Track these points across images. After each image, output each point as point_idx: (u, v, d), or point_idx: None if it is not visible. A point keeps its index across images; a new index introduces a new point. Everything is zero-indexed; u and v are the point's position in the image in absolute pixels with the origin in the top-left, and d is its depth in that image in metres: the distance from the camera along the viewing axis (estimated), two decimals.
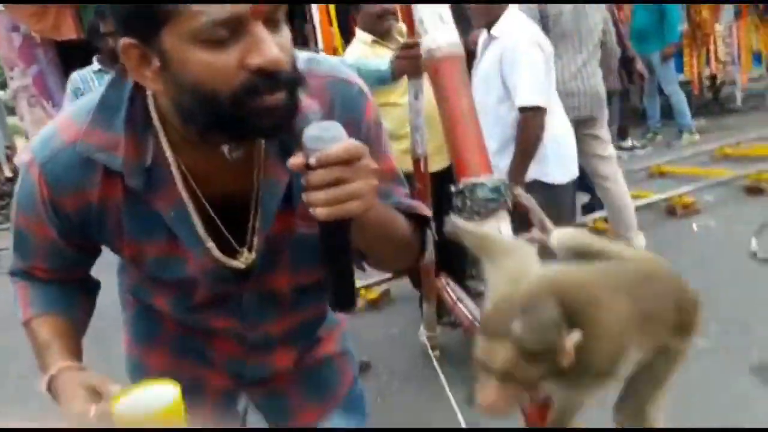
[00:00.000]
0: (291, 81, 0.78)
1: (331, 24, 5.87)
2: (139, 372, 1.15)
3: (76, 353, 0.97)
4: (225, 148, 0.85)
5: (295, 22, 6.27)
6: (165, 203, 0.89)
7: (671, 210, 4.09)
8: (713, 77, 7.39)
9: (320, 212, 0.75)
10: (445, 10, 1.09)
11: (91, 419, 0.81)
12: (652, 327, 0.82)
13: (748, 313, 2.69)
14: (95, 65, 3.12)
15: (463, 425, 2.05)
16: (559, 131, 2.50)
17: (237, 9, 0.72)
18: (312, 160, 0.73)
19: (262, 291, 1.01)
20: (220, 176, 0.89)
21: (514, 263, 0.86)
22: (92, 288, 1.10)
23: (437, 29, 1.08)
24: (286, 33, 0.78)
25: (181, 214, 0.90)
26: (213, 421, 1.12)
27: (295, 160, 0.75)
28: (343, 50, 4.87)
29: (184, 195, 0.89)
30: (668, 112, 6.40)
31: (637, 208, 3.81)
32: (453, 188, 1.01)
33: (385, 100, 2.48)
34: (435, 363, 2.46)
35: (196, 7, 0.71)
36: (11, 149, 8.93)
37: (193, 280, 0.97)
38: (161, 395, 0.77)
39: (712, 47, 7.12)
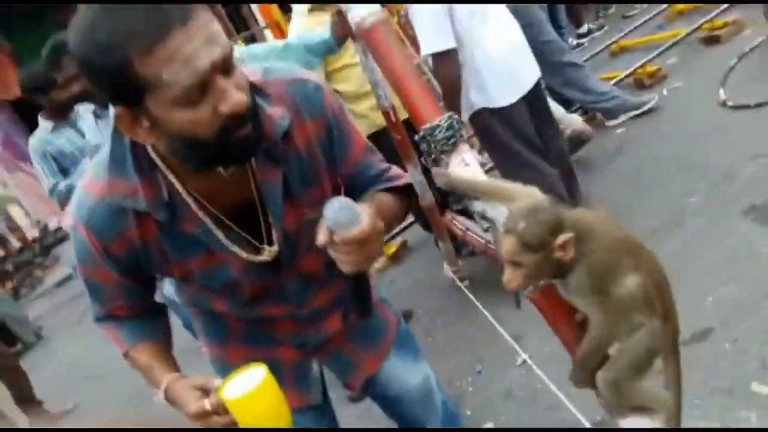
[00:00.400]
0: (253, 112, 0.96)
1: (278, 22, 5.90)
2: (223, 367, 1.35)
3: (173, 365, 1.21)
4: (220, 170, 1.03)
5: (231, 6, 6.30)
6: (190, 225, 1.07)
7: (639, 82, 4.23)
8: None
9: (345, 269, 1.00)
10: None
11: (212, 407, 1.03)
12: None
13: (730, 161, 2.88)
14: (46, 124, 3.03)
15: (506, 336, 2.28)
16: (493, 53, 2.50)
17: (200, 72, 0.87)
18: (337, 239, 0.96)
19: (299, 275, 1.21)
20: (225, 191, 1.07)
21: (525, 193, 1.03)
22: (162, 310, 1.31)
23: (355, 6, 1.22)
24: (238, 71, 0.94)
25: (205, 230, 1.08)
26: (297, 390, 1.34)
27: (323, 238, 0.97)
28: (285, 24, 4.96)
29: (200, 214, 1.06)
30: None
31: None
32: (416, 137, 1.16)
33: (340, 64, 2.61)
34: (466, 292, 2.67)
35: (167, 78, 0.86)
36: (10, 220, 9.02)
37: (237, 281, 1.16)
38: (254, 375, 1.01)
39: None
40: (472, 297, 2.61)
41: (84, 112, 3.02)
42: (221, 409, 1.01)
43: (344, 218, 0.95)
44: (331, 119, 1.13)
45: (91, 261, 1.11)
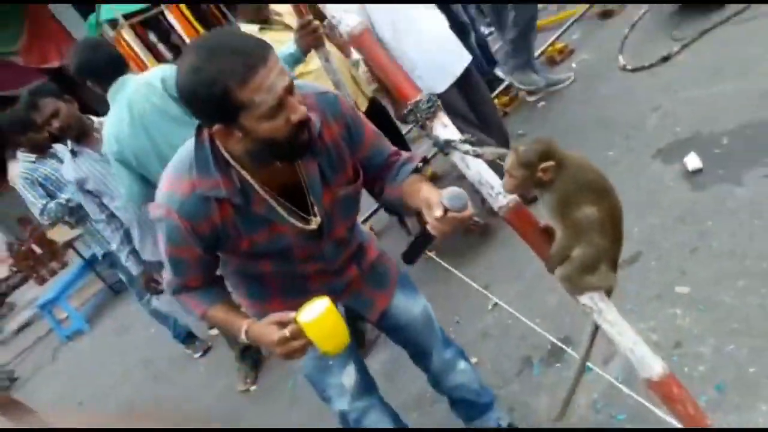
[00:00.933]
0: (309, 120, 1.34)
1: (191, 23, 6.20)
2: (259, 314, 1.66)
3: (246, 315, 1.56)
4: (278, 163, 1.39)
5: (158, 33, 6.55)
6: (259, 206, 1.43)
7: (551, 59, 4.76)
8: None
9: (436, 232, 1.36)
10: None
11: (290, 336, 1.36)
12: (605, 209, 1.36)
13: (636, 116, 3.41)
14: (28, 157, 3.25)
15: (477, 287, 2.70)
16: (421, 53, 2.90)
17: (279, 95, 1.24)
18: (449, 215, 1.33)
19: (334, 240, 1.59)
20: (280, 179, 1.44)
21: None
22: (222, 281, 1.65)
23: (344, 17, 1.56)
24: (296, 90, 1.31)
25: (270, 209, 1.44)
26: None
27: (439, 213, 1.32)
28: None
29: (266, 197, 1.42)
30: None
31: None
32: (405, 110, 1.50)
33: (303, 70, 2.96)
34: (436, 258, 3.03)
35: (257, 100, 1.23)
36: None
37: (292, 246, 1.52)
38: (319, 304, 1.37)
39: None
40: (442, 262, 2.99)
41: (62, 152, 3.24)
42: (298, 334, 1.35)
43: (459, 204, 1.34)
44: (348, 118, 1.53)
45: (180, 241, 1.43)
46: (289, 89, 1.27)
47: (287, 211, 1.47)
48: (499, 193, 1.56)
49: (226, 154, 1.38)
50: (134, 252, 3.24)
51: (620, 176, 3.04)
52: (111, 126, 2.66)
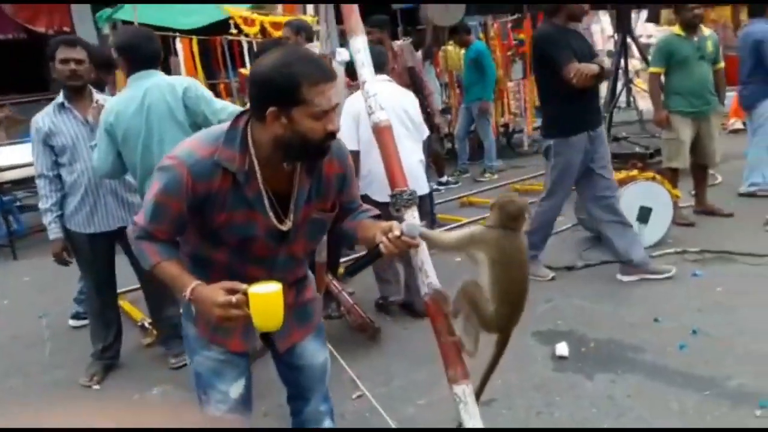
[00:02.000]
0: (336, 132, 1.65)
1: (193, 57, 6.57)
2: (191, 311, 1.81)
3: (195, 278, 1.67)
4: (284, 164, 1.67)
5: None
6: (251, 191, 1.66)
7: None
8: (506, 126, 9.10)
9: (386, 250, 1.70)
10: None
11: (234, 303, 1.54)
12: (494, 270, 1.76)
13: (531, 299, 3.90)
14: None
15: (353, 375, 2.94)
16: (374, 167, 3.21)
17: (330, 106, 1.58)
18: (406, 239, 1.71)
19: (289, 252, 1.79)
20: (278, 180, 1.69)
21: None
22: (178, 246, 1.79)
23: (378, 112, 1.96)
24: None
25: (258, 197, 1.67)
26: (243, 338, 1.85)
27: (398, 232, 1.69)
28: (204, 83, 5.62)
29: (261, 187, 1.66)
30: (472, 154, 7.94)
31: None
32: (390, 192, 1.90)
33: None
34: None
35: (316, 101, 1.54)
36: None
37: (256, 238, 1.70)
38: (273, 285, 1.59)
39: (505, 101, 8.82)
40: (327, 344, 3.22)
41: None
42: (242, 304, 1.55)
43: (414, 233, 1.72)
44: (347, 169, 1.86)
45: (175, 191, 1.61)
46: (334, 108, 1.61)
47: (270, 206, 1.71)
48: (430, 282, 1.93)
49: (250, 141, 1.65)
50: (61, 218, 3.33)
51: None
52: (118, 102, 2.93)
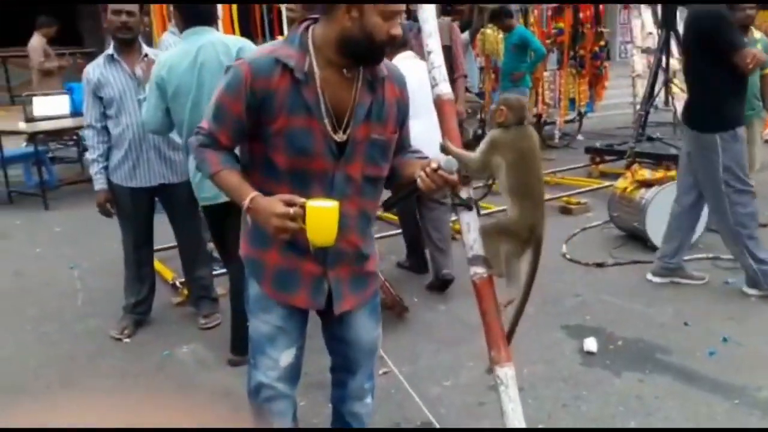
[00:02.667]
0: (398, 38, 1.68)
1: (232, 23, 6.56)
2: (258, 268, 1.86)
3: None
4: (344, 70, 1.69)
5: None
6: (309, 94, 1.68)
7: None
8: (539, 116, 9.01)
9: (423, 185, 1.71)
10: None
11: (291, 214, 1.58)
12: (511, 174, 1.76)
13: (558, 294, 3.91)
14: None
15: (392, 367, 2.96)
16: (418, 136, 3.39)
17: (399, 11, 1.65)
18: (443, 173, 1.69)
19: (346, 173, 1.75)
20: (337, 87, 1.71)
21: None
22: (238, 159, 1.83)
23: (442, 83, 1.92)
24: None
25: (316, 102, 1.68)
26: (310, 295, 1.84)
27: (435, 165, 1.69)
28: None
29: (319, 91, 1.69)
30: None
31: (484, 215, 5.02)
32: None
33: None
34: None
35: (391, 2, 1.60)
36: None
37: (313, 151, 1.69)
38: (330, 201, 1.63)
39: (540, 90, 8.73)
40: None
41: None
42: (298, 217, 1.58)
43: (451, 167, 1.70)
44: (406, 98, 1.88)
45: (235, 89, 1.66)
46: (400, 14, 1.68)
47: (326, 114, 1.70)
48: (476, 256, 1.92)
49: (310, 43, 1.69)
50: (106, 169, 3.36)
51: (528, 331, 3.45)
52: (172, 56, 2.92)
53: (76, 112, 8.14)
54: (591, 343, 3.25)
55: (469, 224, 1.88)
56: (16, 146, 7.06)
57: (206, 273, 3.70)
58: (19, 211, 6.28)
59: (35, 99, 6.85)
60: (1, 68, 10.75)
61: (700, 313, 3.60)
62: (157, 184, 3.39)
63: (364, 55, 1.68)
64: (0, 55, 10.83)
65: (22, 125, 6.53)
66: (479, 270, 1.89)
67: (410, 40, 4.03)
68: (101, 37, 10.69)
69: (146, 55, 3.34)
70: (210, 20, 3.01)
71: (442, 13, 8.82)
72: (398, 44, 3.78)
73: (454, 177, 1.70)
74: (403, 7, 1.65)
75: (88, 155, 3.42)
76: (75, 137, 7.36)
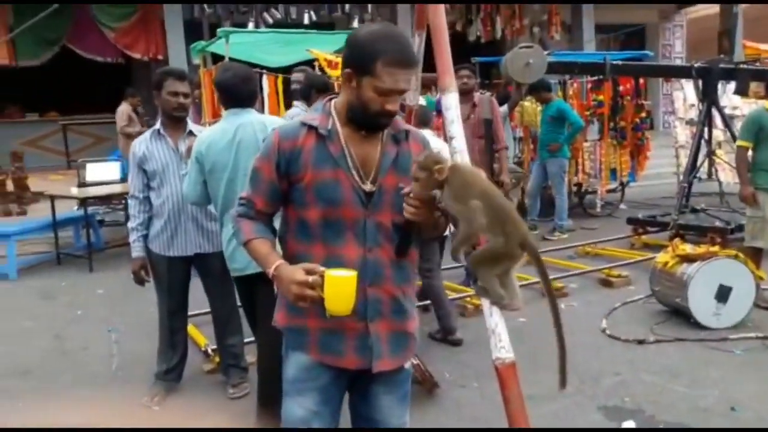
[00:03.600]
0: (394, 115, 1.80)
1: (277, 93, 6.84)
2: (300, 335, 1.86)
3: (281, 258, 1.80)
4: (362, 131, 1.82)
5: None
6: (334, 148, 1.80)
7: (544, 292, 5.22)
8: (579, 185, 8.95)
9: (409, 215, 1.75)
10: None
11: (311, 282, 1.65)
12: (486, 212, 1.76)
13: (596, 371, 3.77)
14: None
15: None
16: None
17: (395, 90, 1.72)
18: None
19: (376, 220, 1.81)
20: (361, 142, 1.82)
21: None
22: (274, 229, 1.92)
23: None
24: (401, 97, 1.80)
25: (342, 155, 1.80)
26: (356, 354, 1.82)
27: (405, 193, 1.77)
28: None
29: (343, 144, 1.80)
30: (543, 210, 7.83)
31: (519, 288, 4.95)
32: None
33: None
34: None
35: (383, 78, 1.69)
36: None
37: (342, 201, 1.78)
38: (348, 271, 1.68)
39: (580, 160, 8.71)
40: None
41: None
42: (317, 285, 1.65)
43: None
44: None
45: (267, 155, 1.82)
46: (401, 93, 1.76)
47: (353, 166, 1.80)
48: (503, 347, 1.90)
49: (332, 108, 1.84)
50: (145, 238, 3.48)
51: (564, 412, 3.33)
52: (212, 133, 3.08)
53: (125, 178, 8.56)
54: (630, 427, 3.10)
55: (492, 309, 1.88)
56: (68, 208, 7.35)
57: (237, 341, 3.71)
58: (66, 273, 6.49)
59: (88, 165, 7.19)
60: (61, 134, 11.34)
61: (749, 397, 3.41)
62: (193, 253, 3.48)
63: (362, 122, 1.80)
64: (61, 123, 11.47)
65: (74, 190, 6.84)
66: (501, 355, 1.87)
67: (432, 120, 4.35)
68: (154, 106, 11.25)
69: (191, 132, 3.49)
70: (250, 102, 3.16)
71: (480, 87, 9.03)
72: (420, 122, 3.93)
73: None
74: (400, 86, 1.72)
75: (129, 223, 3.54)
76: (123, 201, 7.64)
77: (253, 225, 1.85)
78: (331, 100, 1.87)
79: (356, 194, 1.79)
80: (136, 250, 3.49)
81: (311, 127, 1.80)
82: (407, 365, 1.98)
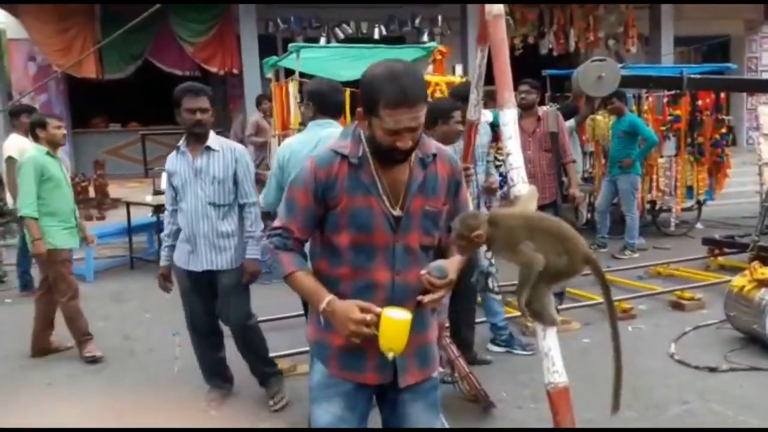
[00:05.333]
0: (411, 151, 1.81)
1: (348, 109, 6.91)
2: (323, 348, 1.92)
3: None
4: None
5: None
6: (366, 176, 1.83)
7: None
8: (653, 203, 8.60)
9: (427, 302, 1.80)
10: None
11: (368, 321, 1.70)
12: (539, 242, 1.80)
13: (663, 399, 3.59)
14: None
15: None
16: None
17: (398, 129, 1.73)
18: (435, 281, 1.79)
19: (405, 244, 1.86)
20: (392, 171, 1.85)
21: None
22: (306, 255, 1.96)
23: (520, 184, 1.98)
24: (420, 131, 1.78)
25: (373, 182, 1.84)
26: (377, 371, 1.87)
27: (426, 277, 1.78)
28: None
29: (374, 173, 1.84)
30: (612, 228, 7.56)
31: (584, 307, 4.81)
32: None
33: None
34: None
35: (386, 119, 1.72)
36: None
37: (374, 226, 1.82)
38: (405, 312, 1.73)
39: (654, 177, 8.37)
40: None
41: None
42: (373, 324, 1.70)
43: (439, 272, 1.79)
44: (458, 174, 1.98)
45: (302, 183, 1.85)
46: (411, 130, 1.75)
47: (383, 191, 1.84)
48: (556, 372, 1.85)
49: (362, 135, 1.86)
50: (172, 249, 3.60)
51: None
52: (296, 142, 3.24)
53: None
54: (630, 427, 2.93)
55: (546, 332, 1.88)
56: (144, 215, 7.66)
57: (261, 353, 3.75)
58: (138, 277, 6.76)
59: (163, 174, 7.48)
60: (140, 144, 11.87)
61: None
62: (203, 269, 3.49)
63: (380, 157, 1.83)
64: (141, 133, 12.01)
65: (148, 198, 7.13)
66: (554, 380, 1.82)
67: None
68: (228, 118, 11.64)
69: (208, 147, 3.46)
70: (336, 113, 3.24)
71: (551, 99, 8.84)
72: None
73: (438, 282, 1.77)
74: (403, 126, 1.72)
75: (162, 234, 3.68)
76: None
77: (293, 257, 1.89)
78: (358, 127, 1.89)
79: (386, 220, 1.84)
80: (163, 259, 3.65)
81: (344, 156, 1.84)
82: (435, 374, 2.01)
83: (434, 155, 1.91)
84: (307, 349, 3.86)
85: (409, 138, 1.76)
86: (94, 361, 4.40)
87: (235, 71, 10.78)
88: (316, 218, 1.87)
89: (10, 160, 5.64)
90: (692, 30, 12.79)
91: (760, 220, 6.63)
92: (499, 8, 2.15)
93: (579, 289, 5.35)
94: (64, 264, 4.47)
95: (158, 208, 7.00)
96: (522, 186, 1.99)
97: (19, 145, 5.65)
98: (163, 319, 5.21)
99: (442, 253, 1.97)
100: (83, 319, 4.51)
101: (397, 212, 1.85)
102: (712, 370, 3.96)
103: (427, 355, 1.97)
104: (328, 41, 10.81)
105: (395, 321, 1.70)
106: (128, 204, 7.17)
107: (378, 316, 1.71)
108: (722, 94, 8.63)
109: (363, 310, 1.74)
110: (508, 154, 2.05)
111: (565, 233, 1.83)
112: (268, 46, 10.35)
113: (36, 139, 4.56)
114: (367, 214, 1.82)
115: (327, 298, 1.80)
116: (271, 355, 3.98)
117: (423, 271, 1.78)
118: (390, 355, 1.73)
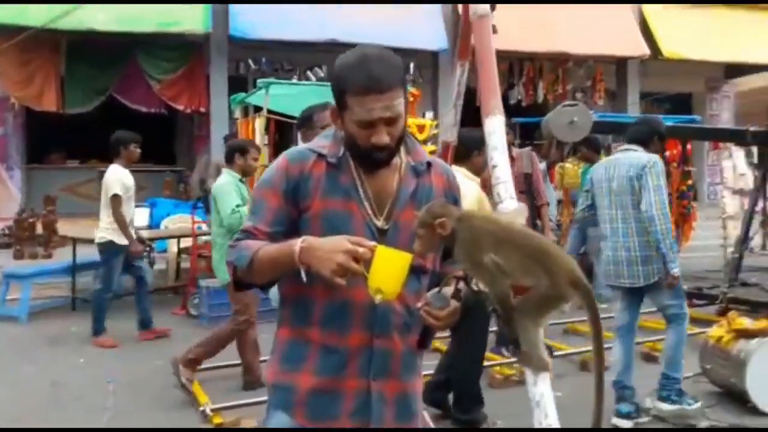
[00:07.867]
0: (390, 148, 1.57)
1: None
2: (286, 394, 1.61)
3: None
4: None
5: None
6: (345, 178, 1.61)
7: (584, 364, 4.79)
8: None
9: (430, 324, 1.56)
10: None
11: (361, 253, 1.42)
12: (506, 259, 1.50)
13: None
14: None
15: None
16: None
17: (370, 120, 1.53)
18: (437, 313, 1.54)
19: None
20: (378, 177, 1.63)
21: None
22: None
23: (507, 201, 1.78)
24: (399, 125, 1.57)
25: (353, 186, 1.61)
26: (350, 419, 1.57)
27: (425, 309, 1.54)
28: None
29: (355, 175, 1.62)
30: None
31: (555, 357, 4.53)
32: None
33: None
34: None
35: (356, 110, 1.52)
36: None
37: (352, 234, 1.51)
38: (401, 252, 1.46)
39: None
40: None
41: None
42: (365, 258, 1.42)
43: (439, 303, 1.54)
44: (455, 189, 1.77)
45: (270, 182, 1.62)
46: (388, 121, 1.54)
47: (366, 199, 1.61)
48: (550, 423, 1.64)
49: (341, 135, 1.64)
50: None
51: None
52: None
53: (151, 226, 8.42)
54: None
55: (537, 378, 1.74)
56: (92, 254, 7.23)
57: None
58: (78, 319, 6.28)
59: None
60: (98, 182, 11.47)
61: None
62: None
63: (359, 159, 1.62)
64: (99, 170, 11.62)
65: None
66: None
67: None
68: (193, 157, 11.37)
69: None
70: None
71: (521, 147, 8.80)
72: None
73: (440, 313, 1.53)
74: (375, 115, 1.52)
75: None
76: (148, 249, 7.47)
77: (256, 242, 1.58)
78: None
79: (368, 230, 1.59)
80: None
81: (321, 155, 1.62)
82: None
83: (428, 164, 1.71)
84: (254, 400, 3.59)
85: (384, 132, 1.53)
86: None
87: (202, 110, 10.57)
88: (288, 222, 1.60)
89: None
90: (656, 87, 13.14)
91: (727, 272, 6.54)
92: (485, 8, 1.95)
93: (548, 340, 5.08)
94: None
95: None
96: (509, 202, 1.75)
97: None
98: (98, 364, 4.81)
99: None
100: None
101: (381, 223, 1.60)
102: (690, 428, 3.70)
103: (408, 406, 1.67)
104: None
105: (393, 252, 1.44)
106: (74, 240, 6.76)
107: (372, 250, 1.43)
108: (689, 146, 8.68)
109: (353, 243, 1.44)
110: (494, 167, 1.83)
111: (544, 249, 1.52)
112: (238, 88, 10.20)
113: (230, 163, 4.58)
114: (345, 220, 1.57)
115: (300, 239, 1.49)
116: (210, 407, 3.62)
117: (420, 304, 1.54)
118: (378, 298, 1.45)
